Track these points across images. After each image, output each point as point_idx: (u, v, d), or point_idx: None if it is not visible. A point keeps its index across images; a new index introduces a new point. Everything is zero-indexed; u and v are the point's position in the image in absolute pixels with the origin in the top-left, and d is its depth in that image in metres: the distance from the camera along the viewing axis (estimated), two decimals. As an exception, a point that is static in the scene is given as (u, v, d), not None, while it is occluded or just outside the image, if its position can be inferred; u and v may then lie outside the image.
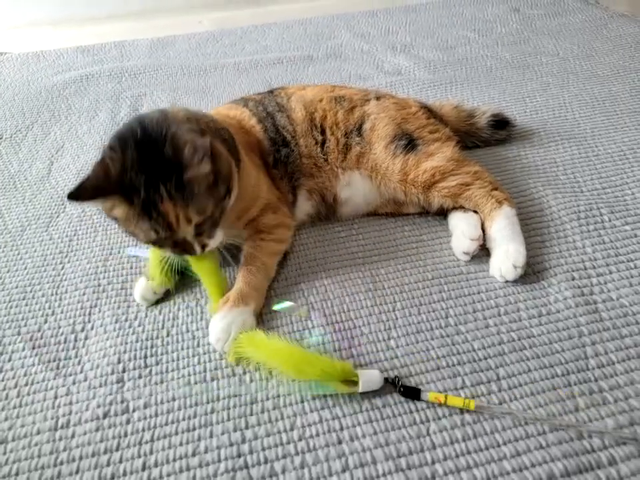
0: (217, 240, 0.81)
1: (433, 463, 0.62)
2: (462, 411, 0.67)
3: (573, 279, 0.84)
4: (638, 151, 1.12)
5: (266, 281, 0.87)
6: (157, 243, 0.79)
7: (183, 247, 0.79)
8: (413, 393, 0.69)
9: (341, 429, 0.67)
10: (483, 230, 0.91)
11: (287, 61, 1.81)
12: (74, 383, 0.77)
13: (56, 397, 0.75)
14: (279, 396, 0.72)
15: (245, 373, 0.75)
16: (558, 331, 0.76)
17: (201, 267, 0.86)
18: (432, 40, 1.84)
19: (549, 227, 0.95)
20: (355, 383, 0.69)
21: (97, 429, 0.70)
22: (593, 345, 0.74)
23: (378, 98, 1.06)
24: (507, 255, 0.85)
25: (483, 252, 0.91)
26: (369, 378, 0.70)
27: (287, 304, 0.85)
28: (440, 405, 0.68)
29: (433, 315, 0.81)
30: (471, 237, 0.89)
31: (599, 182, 1.05)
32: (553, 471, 0.60)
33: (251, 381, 0.74)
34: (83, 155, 1.38)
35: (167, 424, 0.70)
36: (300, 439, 0.66)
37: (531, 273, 0.86)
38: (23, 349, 0.83)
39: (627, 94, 1.34)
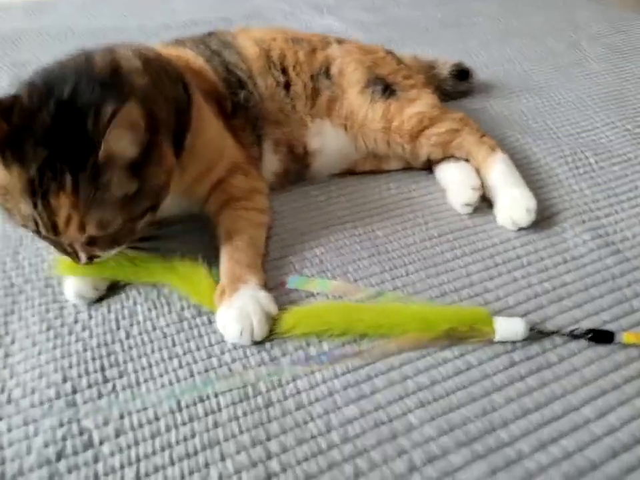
0: (113, 252, 0.62)
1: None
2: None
3: (584, 222, 0.78)
4: (595, 97, 1.11)
5: (258, 258, 0.70)
6: (36, 234, 0.59)
7: (64, 249, 0.60)
8: (605, 337, 0.60)
9: (391, 420, 0.53)
10: (479, 179, 0.83)
11: (202, 23, 1.59)
12: (1, 420, 0.54)
13: (-23, 444, 0.52)
14: (298, 392, 0.56)
15: (245, 368, 0.59)
16: (590, 275, 0.69)
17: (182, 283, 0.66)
18: (357, 1, 1.73)
19: (539, 173, 0.89)
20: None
21: (52, 477, 0.49)
22: (629, 286, 0.68)
23: (339, 42, 0.93)
24: (516, 200, 0.77)
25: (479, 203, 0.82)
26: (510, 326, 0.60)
27: (303, 278, 0.69)
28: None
29: (453, 275, 0.70)
30: (473, 186, 0.80)
31: (571, 127, 1.02)
32: None
33: (257, 379, 0.58)
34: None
35: (154, 453, 0.51)
36: (343, 441, 0.52)
37: (540, 219, 0.79)
38: None
39: (563, 49, 1.35)
